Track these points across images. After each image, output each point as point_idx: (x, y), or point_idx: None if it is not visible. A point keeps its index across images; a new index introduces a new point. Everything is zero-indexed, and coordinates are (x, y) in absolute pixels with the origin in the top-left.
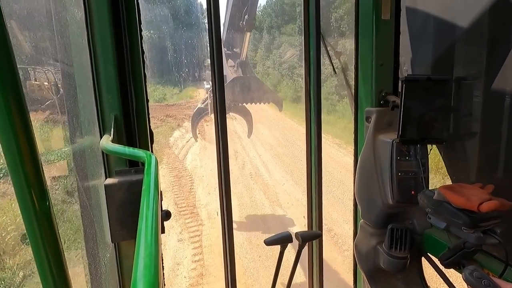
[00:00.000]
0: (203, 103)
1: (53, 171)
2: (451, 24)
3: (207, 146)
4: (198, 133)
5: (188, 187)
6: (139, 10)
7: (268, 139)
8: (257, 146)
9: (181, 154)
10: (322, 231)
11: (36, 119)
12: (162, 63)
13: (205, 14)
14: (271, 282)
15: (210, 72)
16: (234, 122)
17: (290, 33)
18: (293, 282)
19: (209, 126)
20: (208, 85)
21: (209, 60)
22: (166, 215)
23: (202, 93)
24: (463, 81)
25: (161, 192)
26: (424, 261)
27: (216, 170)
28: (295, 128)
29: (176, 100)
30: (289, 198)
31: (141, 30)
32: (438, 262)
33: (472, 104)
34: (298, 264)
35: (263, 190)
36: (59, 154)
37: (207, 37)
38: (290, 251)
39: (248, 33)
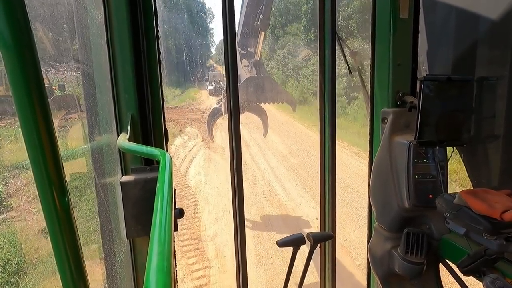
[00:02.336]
0: (218, 104)
1: (73, 167)
2: (473, 21)
3: (212, 156)
4: (202, 141)
5: (191, 210)
6: (156, 12)
7: (279, 147)
8: (268, 156)
9: (183, 166)
10: (335, 233)
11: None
12: (163, 63)
13: (208, 13)
14: (283, 284)
15: (212, 73)
16: (241, 128)
17: (295, 33)
18: (307, 283)
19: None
20: (211, 86)
21: (211, 61)
22: (180, 213)
23: (205, 95)
24: (486, 82)
25: (174, 190)
26: (441, 267)
27: (223, 187)
28: (306, 133)
29: (178, 103)
30: (314, 226)
31: (157, 31)
32: (457, 268)
33: (495, 105)
34: (314, 266)
35: (281, 215)
36: (78, 152)
37: (209, 37)
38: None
39: (263, 33)
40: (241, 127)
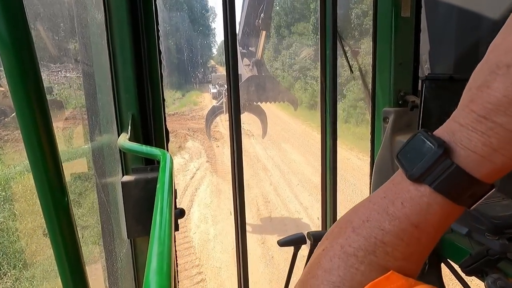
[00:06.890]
0: (218, 102)
1: (73, 168)
2: (475, 19)
3: (221, 187)
4: (207, 161)
5: None
6: (157, 11)
7: (306, 171)
8: (294, 186)
9: (183, 205)
10: None
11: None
12: (164, 63)
13: (210, 12)
14: (284, 284)
15: (216, 74)
16: (251, 140)
17: (302, 32)
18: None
19: (219, 147)
20: (214, 89)
21: (212, 62)
22: (180, 213)
23: (207, 98)
24: None
25: (175, 190)
26: (443, 267)
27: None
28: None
29: (178, 108)
30: None
31: (158, 31)
32: (459, 268)
33: None
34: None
35: None
36: (79, 152)
37: (211, 37)
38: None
39: (264, 32)
40: (252, 141)
